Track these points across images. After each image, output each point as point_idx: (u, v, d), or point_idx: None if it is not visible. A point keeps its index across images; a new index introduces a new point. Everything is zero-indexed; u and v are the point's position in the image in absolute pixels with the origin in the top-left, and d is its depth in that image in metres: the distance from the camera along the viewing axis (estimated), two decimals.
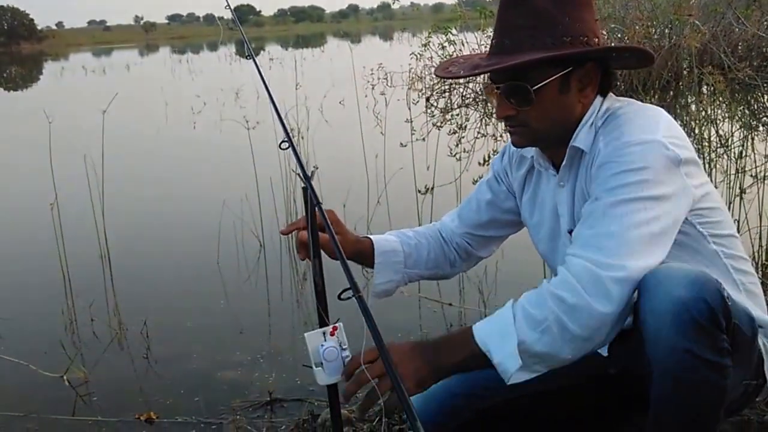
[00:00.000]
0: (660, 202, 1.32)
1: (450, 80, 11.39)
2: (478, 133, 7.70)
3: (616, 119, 1.41)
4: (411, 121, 6.87)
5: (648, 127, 1.36)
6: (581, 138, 1.44)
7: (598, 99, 1.46)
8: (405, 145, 5.21)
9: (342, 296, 1.25)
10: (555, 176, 1.54)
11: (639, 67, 1.60)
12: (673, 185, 1.34)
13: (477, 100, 10.28)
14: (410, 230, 1.73)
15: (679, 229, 1.37)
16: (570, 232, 1.48)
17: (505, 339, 1.29)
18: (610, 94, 1.48)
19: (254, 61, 1.72)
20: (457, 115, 9.26)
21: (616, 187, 1.32)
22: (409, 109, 7.87)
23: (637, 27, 8.51)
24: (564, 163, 1.48)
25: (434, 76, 11.75)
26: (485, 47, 1.58)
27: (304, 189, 1.40)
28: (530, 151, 1.59)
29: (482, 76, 1.58)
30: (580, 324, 1.26)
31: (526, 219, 1.66)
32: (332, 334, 1.31)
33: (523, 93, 1.40)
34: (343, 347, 1.32)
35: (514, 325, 1.29)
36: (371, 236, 1.67)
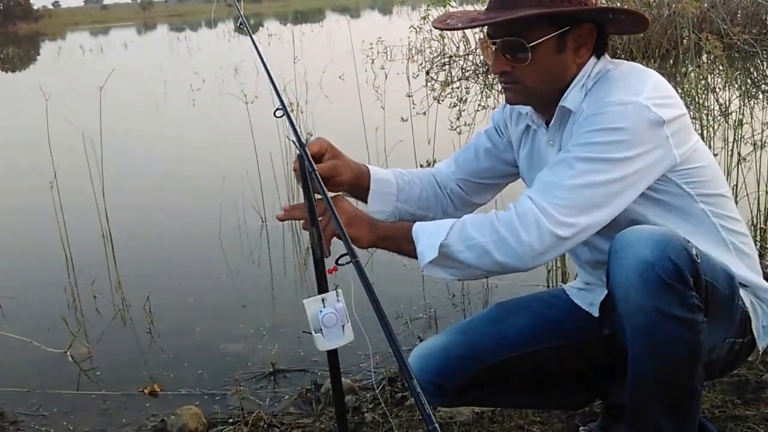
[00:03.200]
0: (627, 164, 1.33)
1: (452, 45, 11.33)
2: (479, 105, 7.65)
3: (605, 81, 1.42)
4: (411, 96, 6.84)
5: (633, 87, 1.36)
6: (571, 98, 1.44)
7: (592, 60, 1.46)
8: (406, 120, 5.19)
9: (339, 261, 1.26)
10: (545, 134, 1.54)
11: (634, 32, 1.59)
12: (648, 146, 1.34)
13: (477, 72, 10.22)
14: (404, 169, 1.70)
15: (658, 188, 1.40)
16: None
17: (434, 236, 1.36)
18: (605, 55, 1.48)
19: (245, 24, 1.70)
20: (458, 88, 9.21)
21: (587, 144, 1.34)
22: (409, 82, 7.83)
23: None
24: (552, 122, 1.49)
25: (433, 48, 11.72)
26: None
27: (299, 156, 1.39)
28: (526, 108, 1.59)
29: (482, 35, 1.57)
30: (505, 257, 1.33)
31: (523, 174, 1.66)
32: (330, 272, 1.33)
33: (519, 49, 1.40)
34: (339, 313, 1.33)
35: (448, 230, 1.36)
36: (368, 165, 1.64)
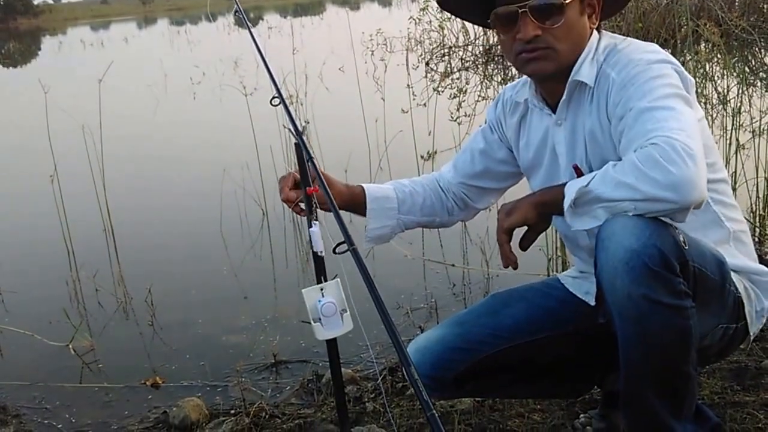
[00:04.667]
0: (691, 106, 1.34)
1: (451, 36, 11.27)
2: (479, 96, 7.63)
3: (618, 53, 1.42)
4: (411, 87, 6.81)
5: (649, 48, 1.40)
6: (584, 72, 1.43)
7: (595, 34, 1.46)
8: (406, 111, 5.17)
9: (337, 250, 1.25)
10: (550, 116, 1.52)
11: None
12: (691, 97, 1.36)
13: (477, 63, 10.19)
14: (407, 179, 1.73)
15: None
16: (574, 167, 1.47)
17: (573, 185, 1.29)
18: (604, 30, 1.49)
19: (240, 11, 1.69)
20: (457, 79, 9.18)
21: (651, 90, 1.32)
22: (409, 74, 7.81)
23: None
24: (563, 98, 1.47)
25: (433, 39, 11.66)
26: None
27: (297, 145, 1.39)
28: (524, 94, 1.57)
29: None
30: (658, 188, 1.21)
31: (524, 164, 1.64)
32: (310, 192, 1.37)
33: (555, 9, 1.40)
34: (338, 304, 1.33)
35: (592, 177, 1.28)
36: (363, 185, 1.66)
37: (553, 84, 1.48)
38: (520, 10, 1.40)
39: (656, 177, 1.20)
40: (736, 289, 1.44)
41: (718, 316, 1.43)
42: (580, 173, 1.45)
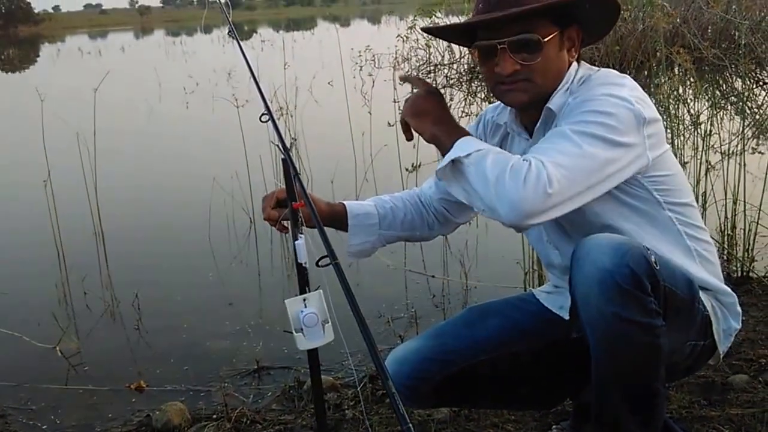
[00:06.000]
0: (618, 149, 1.31)
1: (437, 54, 11.31)
2: (462, 112, 7.65)
3: (588, 81, 1.42)
4: (397, 102, 6.80)
5: (615, 85, 1.38)
6: (555, 101, 1.43)
7: (574, 65, 1.46)
8: (392, 125, 5.17)
9: (320, 263, 1.24)
10: (527, 140, 1.52)
11: (607, 25, 1.55)
12: (632, 140, 1.33)
13: (461, 80, 10.22)
14: (387, 195, 1.72)
15: (630, 192, 1.40)
16: None
17: (463, 149, 1.32)
18: (583, 62, 1.48)
19: (231, 28, 1.67)
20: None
21: (583, 122, 1.31)
22: (395, 89, 7.81)
23: None
24: (538, 125, 1.47)
25: (419, 56, 11.70)
26: None
27: (284, 160, 1.38)
28: (504, 117, 1.57)
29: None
30: (498, 198, 1.26)
31: None
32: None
33: (534, 46, 1.39)
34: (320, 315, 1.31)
35: (476, 150, 1.31)
36: (344, 202, 1.65)
37: (532, 111, 1.49)
38: (499, 46, 1.40)
39: (504, 187, 1.25)
40: (704, 307, 1.45)
41: (687, 333, 1.44)
42: None
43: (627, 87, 1.37)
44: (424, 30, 1.53)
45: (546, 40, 1.38)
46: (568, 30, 1.43)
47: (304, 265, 1.36)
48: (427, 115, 1.41)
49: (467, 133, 1.38)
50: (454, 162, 1.32)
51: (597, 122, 1.31)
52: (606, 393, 1.34)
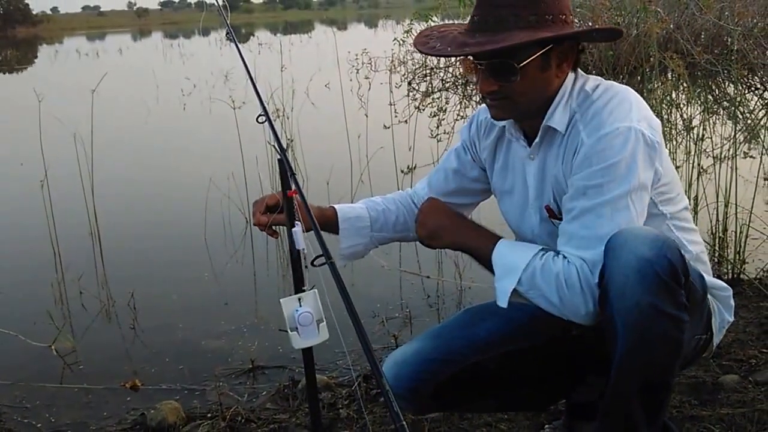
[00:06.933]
0: (644, 192, 1.35)
1: (432, 57, 11.33)
2: (458, 115, 7.65)
3: (591, 104, 1.39)
4: (393, 105, 6.81)
5: (623, 112, 1.36)
6: (556, 118, 1.41)
7: (570, 75, 1.44)
8: (388, 128, 5.17)
9: (315, 263, 1.24)
10: (525, 147, 1.51)
11: (608, 41, 1.62)
12: (651, 172, 1.36)
13: (456, 84, 10.23)
14: (380, 197, 1.72)
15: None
16: (547, 207, 1.48)
17: (509, 274, 1.39)
18: (578, 69, 1.46)
19: (229, 30, 1.67)
20: (438, 98, 9.21)
21: (605, 184, 1.33)
22: (391, 92, 7.83)
23: (605, 15, 8.52)
24: (537, 140, 1.46)
25: (416, 59, 11.71)
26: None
27: (280, 161, 1.37)
28: (502, 121, 1.56)
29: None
30: (568, 312, 1.36)
31: (497, 187, 1.63)
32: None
33: (508, 70, 1.37)
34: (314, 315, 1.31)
35: (522, 272, 1.38)
36: (335, 206, 1.65)
37: (529, 122, 1.48)
38: (479, 66, 1.39)
39: (570, 306, 1.34)
40: (708, 303, 1.47)
41: (697, 327, 1.45)
42: (551, 213, 1.47)
43: (633, 111, 1.36)
44: (422, 52, 1.51)
45: (523, 64, 1.35)
46: (559, 46, 1.39)
47: (303, 251, 1.35)
48: (442, 232, 1.52)
49: (486, 233, 1.48)
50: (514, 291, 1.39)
51: (619, 177, 1.32)
52: (623, 384, 1.33)
